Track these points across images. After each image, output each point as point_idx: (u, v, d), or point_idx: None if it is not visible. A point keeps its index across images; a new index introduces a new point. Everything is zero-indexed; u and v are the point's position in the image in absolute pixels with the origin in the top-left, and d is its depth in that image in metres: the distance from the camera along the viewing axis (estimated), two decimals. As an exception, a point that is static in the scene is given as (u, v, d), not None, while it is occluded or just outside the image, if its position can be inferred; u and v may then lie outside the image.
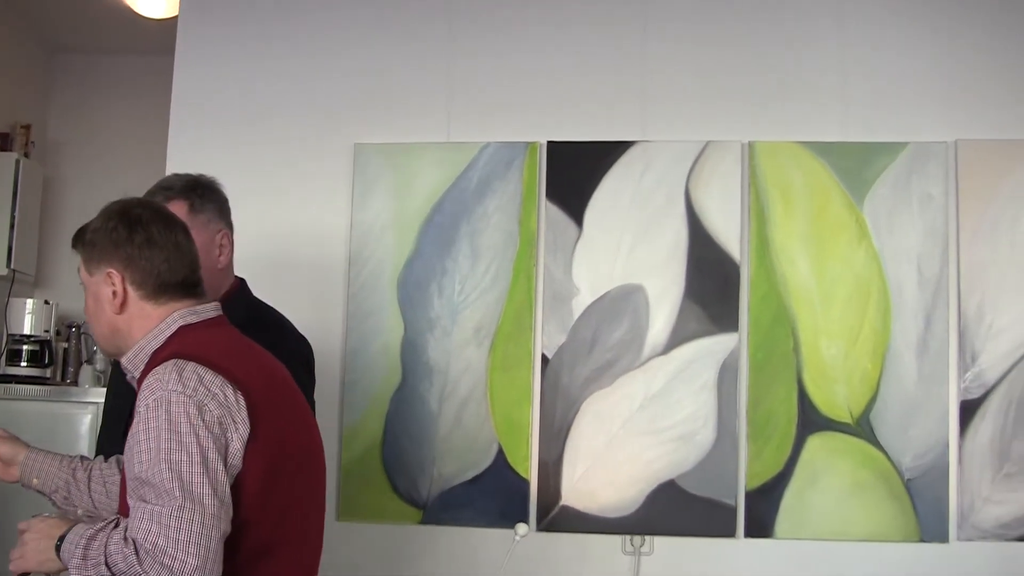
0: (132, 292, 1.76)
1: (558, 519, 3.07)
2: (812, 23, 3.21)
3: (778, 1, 3.25)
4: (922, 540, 2.96)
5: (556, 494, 3.08)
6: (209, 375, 1.64)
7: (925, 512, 2.96)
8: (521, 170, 3.19)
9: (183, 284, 1.79)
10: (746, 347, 3.07)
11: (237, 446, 1.63)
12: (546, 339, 3.13)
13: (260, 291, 2.41)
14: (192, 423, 1.59)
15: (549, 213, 3.17)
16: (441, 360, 3.15)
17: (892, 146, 3.09)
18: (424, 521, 3.11)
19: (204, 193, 2.29)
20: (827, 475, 3.00)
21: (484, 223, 3.18)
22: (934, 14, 3.18)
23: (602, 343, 3.11)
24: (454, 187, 3.21)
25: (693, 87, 3.22)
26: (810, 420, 3.02)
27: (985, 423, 2.98)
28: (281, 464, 1.70)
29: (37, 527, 1.70)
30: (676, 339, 3.09)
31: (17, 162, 4.68)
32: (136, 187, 2.27)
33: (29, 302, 4.57)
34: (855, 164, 3.09)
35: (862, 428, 3.01)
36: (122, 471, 1.74)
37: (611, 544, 3.08)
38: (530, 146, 3.20)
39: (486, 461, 3.10)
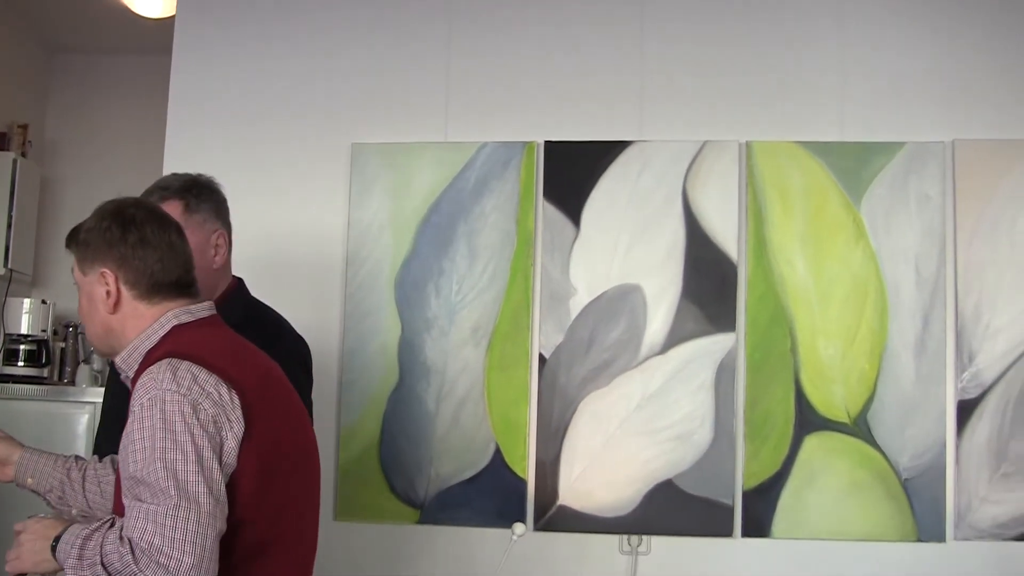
0: (126, 292, 1.76)
1: (555, 519, 3.07)
2: (811, 23, 3.21)
3: (777, 1, 3.25)
4: (919, 540, 2.96)
5: (553, 494, 3.08)
6: (203, 374, 1.64)
7: (922, 512, 2.97)
8: (518, 170, 3.19)
9: (177, 284, 1.79)
10: (743, 347, 3.07)
11: (232, 445, 1.63)
12: (543, 339, 3.13)
13: (257, 291, 2.40)
14: (187, 422, 1.59)
15: (546, 213, 3.17)
16: (438, 360, 3.15)
17: (890, 146, 3.09)
18: (421, 521, 3.10)
19: (200, 193, 2.28)
20: (824, 475, 3.00)
21: (481, 223, 3.18)
22: (933, 14, 3.18)
23: (599, 343, 3.11)
24: (451, 187, 3.21)
25: (691, 87, 3.22)
26: (807, 420, 3.02)
27: (982, 423, 2.99)
28: (276, 463, 1.70)
29: (33, 528, 1.70)
30: (673, 339, 3.09)
31: (15, 162, 4.68)
32: (134, 187, 2.27)
33: (26, 302, 4.58)
34: (853, 164, 3.09)
35: (859, 428, 3.01)
36: (116, 471, 1.74)
37: (608, 544, 3.08)
38: (527, 146, 3.20)
39: (483, 461, 3.10)
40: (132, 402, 1.65)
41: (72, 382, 4.61)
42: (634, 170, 3.16)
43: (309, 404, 2.25)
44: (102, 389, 2.63)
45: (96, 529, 1.61)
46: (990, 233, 3.05)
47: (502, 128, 3.23)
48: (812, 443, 3.01)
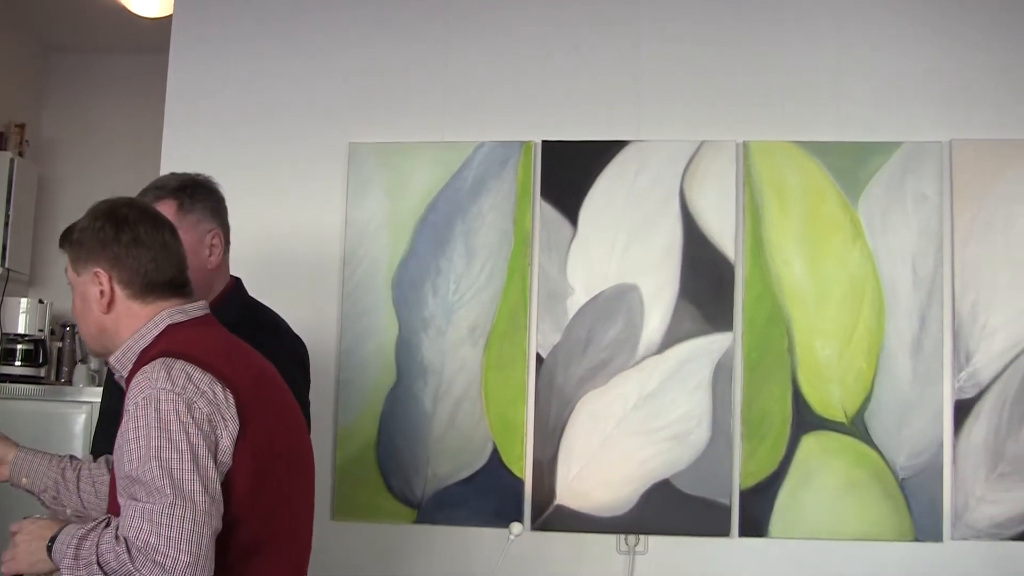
0: (119, 291, 1.76)
1: (552, 518, 3.07)
2: (810, 23, 3.21)
3: (775, 1, 3.25)
4: (916, 539, 2.97)
5: (551, 493, 3.07)
6: (198, 373, 1.64)
7: (919, 511, 2.97)
8: (516, 169, 3.18)
9: (170, 283, 1.78)
10: (740, 347, 3.07)
11: (226, 444, 1.63)
12: (541, 338, 3.12)
13: (255, 290, 2.40)
14: (182, 420, 1.59)
15: (544, 212, 3.17)
16: (436, 359, 3.15)
17: (887, 146, 3.09)
18: (419, 520, 3.10)
19: (195, 193, 2.27)
20: (821, 474, 3.00)
21: (479, 222, 3.18)
22: (932, 14, 3.18)
23: (597, 342, 3.11)
24: (449, 186, 3.21)
25: (688, 87, 3.21)
26: (804, 419, 3.02)
27: (979, 423, 2.99)
28: (270, 462, 1.70)
29: (28, 528, 1.70)
30: (671, 338, 3.08)
31: (12, 161, 4.67)
32: (131, 186, 2.27)
33: (23, 301, 4.57)
34: (850, 164, 3.09)
35: (856, 427, 3.01)
36: (111, 470, 1.74)
37: (605, 543, 3.08)
38: (525, 145, 3.20)
39: (480, 460, 3.10)
40: (127, 401, 1.65)
41: (69, 382, 4.60)
42: (631, 170, 3.16)
43: (307, 404, 2.25)
44: (99, 389, 2.63)
45: (92, 529, 1.61)
46: (987, 233, 3.05)
47: (499, 128, 3.23)
48: (809, 443, 3.01)
